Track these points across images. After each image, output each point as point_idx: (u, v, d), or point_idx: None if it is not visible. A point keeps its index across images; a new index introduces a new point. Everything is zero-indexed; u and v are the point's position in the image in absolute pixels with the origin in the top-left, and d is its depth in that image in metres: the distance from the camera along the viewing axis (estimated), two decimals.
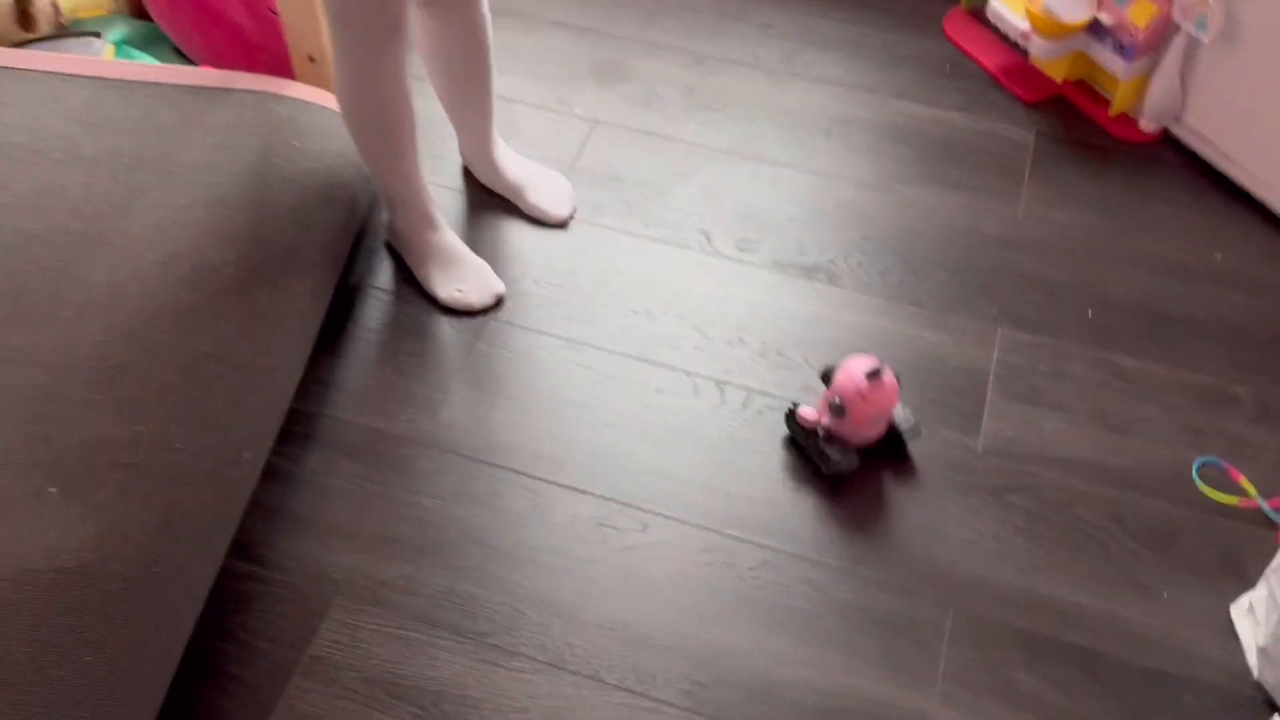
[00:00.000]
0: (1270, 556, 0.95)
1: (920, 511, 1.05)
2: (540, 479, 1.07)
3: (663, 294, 1.21)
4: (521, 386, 1.14)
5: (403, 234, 1.22)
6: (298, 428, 1.08)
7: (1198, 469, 1.07)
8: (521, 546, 1.02)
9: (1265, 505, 1.05)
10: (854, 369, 1.04)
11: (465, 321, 1.19)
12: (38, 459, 0.85)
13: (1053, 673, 0.95)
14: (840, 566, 1.01)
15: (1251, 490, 1.06)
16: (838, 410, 1.03)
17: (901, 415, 1.08)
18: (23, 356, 0.90)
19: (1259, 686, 0.93)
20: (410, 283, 1.22)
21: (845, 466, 1.05)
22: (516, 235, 1.27)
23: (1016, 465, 1.08)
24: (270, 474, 1.03)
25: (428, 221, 1.21)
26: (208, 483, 0.90)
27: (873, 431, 1.07)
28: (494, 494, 1.06)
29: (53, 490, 0.83)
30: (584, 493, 1.06)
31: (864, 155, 1.36)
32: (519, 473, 1.07)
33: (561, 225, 1.28)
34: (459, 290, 1.20)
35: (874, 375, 1.02)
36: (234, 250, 1.01)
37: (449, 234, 1.22)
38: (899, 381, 1.05)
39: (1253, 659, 0.95)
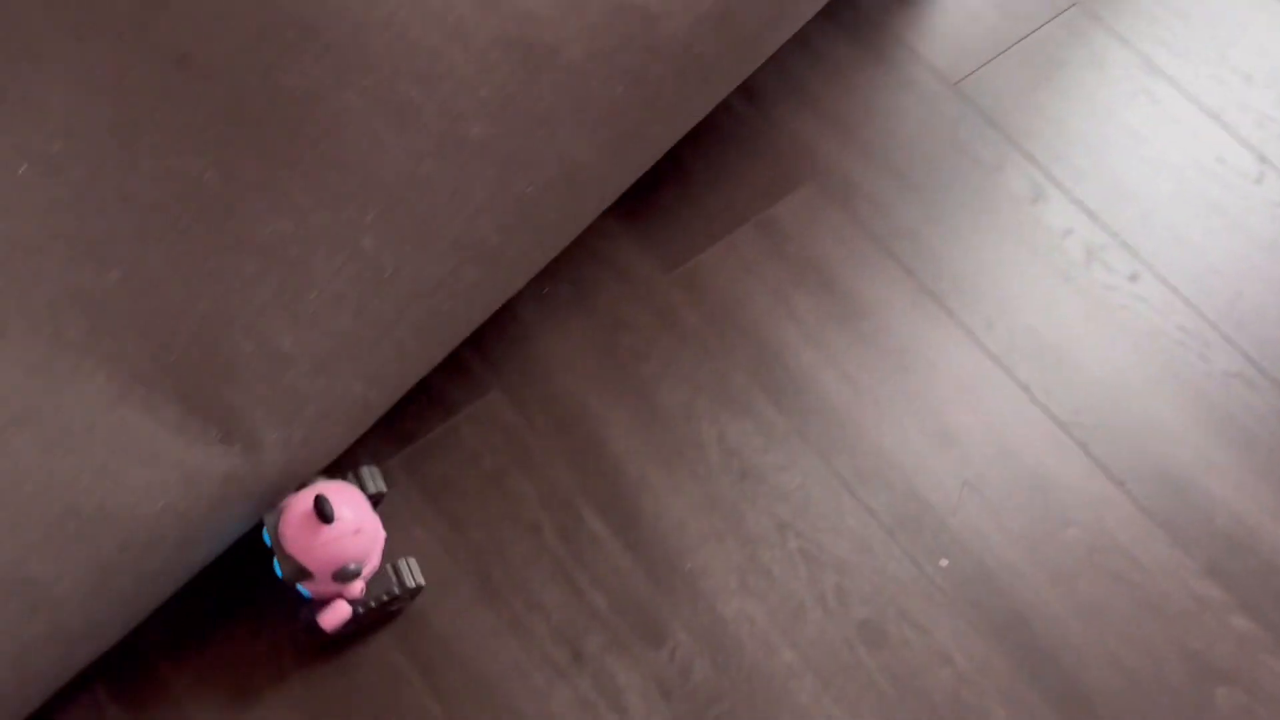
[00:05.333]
0: None
1: None
2: (1050, 176, 0.98)
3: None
4: (1076, 83, 1.03)
5: None
6: (844, 14, 1.05)
7: None
8: (999, 227, 0.96)
9: None
10: None
11: None
12: None
13: None
14: None
15: None
16: None
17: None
18: None
19: None
20: None
21: None
22: None
23: None
24: (803, 44, 1.02)
25: None
26: None
27: None
28: (996, 167, 0.99)
29: None
30: (1090, 214, 0.97)
31: None
32: (1032, 159, 0.99)
33: None
34: None
35: None
36: None
37: None
38: None
39: None
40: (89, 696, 0.75)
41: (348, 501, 0.73)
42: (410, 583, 0.77)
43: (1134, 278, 0.95)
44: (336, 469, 0.78)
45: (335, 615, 0.74)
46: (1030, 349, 0.91)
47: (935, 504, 0.85)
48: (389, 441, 0.84)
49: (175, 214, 0.69)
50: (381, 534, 0.76)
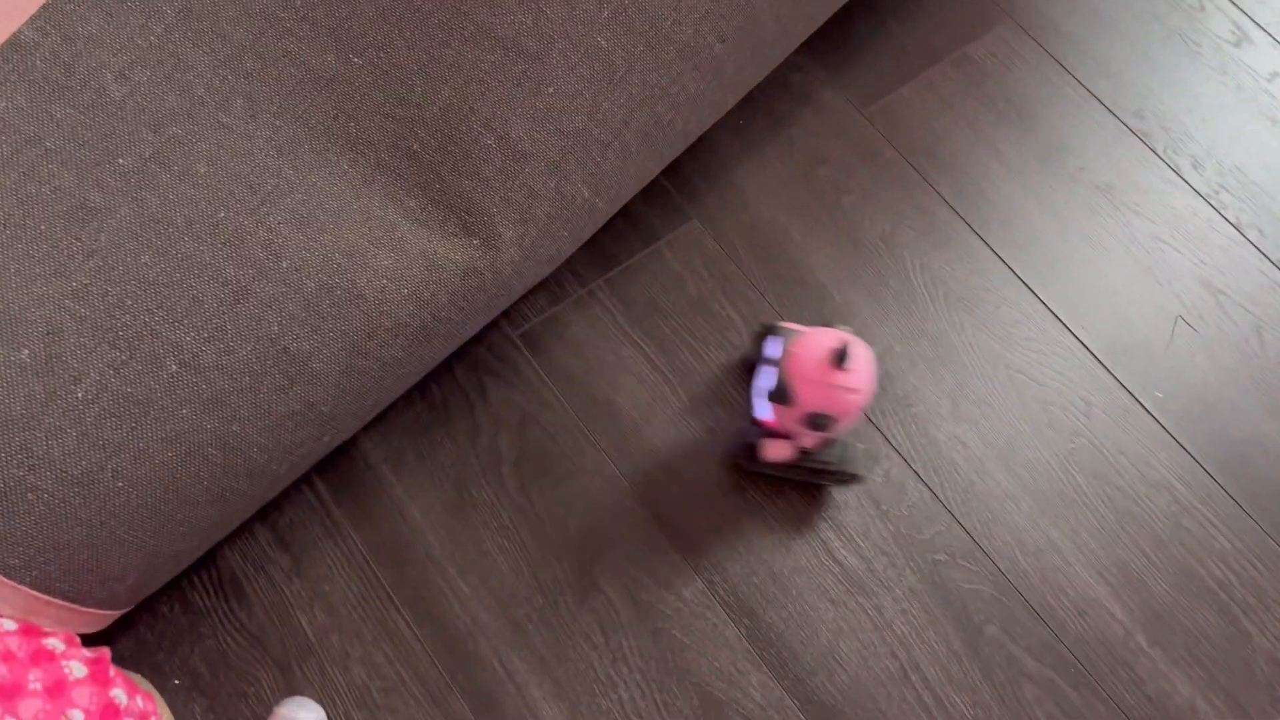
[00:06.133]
0: None
1: None
2: (1253, 19, 0.94)
3: None
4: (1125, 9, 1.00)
5: None
6: None
7: None
8: (1202, 69, 0.92)
9: None
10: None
11: None
12: None
13: None
14: None
15: None
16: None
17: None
18: None
19: None
20: None
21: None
22: None
23: None
24: None
25: None
26: None
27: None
28: (1197, 7, 0.94)
29: None
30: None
31: None
32: (1233, 1, 0.96)
33: None
34: None
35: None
36: None
37: None
38: None
39: None
40: (313, 492, 0.76)
41: (864, 363, 0.72)
42: (855, 468, 0.75)
43: None
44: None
45: (778, 450, 0.74)
46: (1239, 189, 0.89)
47: (1148, 338, 0.83)
48: (594, 264, 0.84)
49: (417, 3, 0.68)
50: (860, 413, 0.74)
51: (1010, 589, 0.75)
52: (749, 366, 0.81)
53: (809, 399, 0.69)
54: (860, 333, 0.82)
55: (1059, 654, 0.73)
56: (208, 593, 0.72)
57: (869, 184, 0.88)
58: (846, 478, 0.76)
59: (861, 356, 0.70)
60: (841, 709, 0.71)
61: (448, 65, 0.69)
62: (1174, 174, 0.89)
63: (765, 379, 0.72)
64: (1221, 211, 0.88)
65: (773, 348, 0.73)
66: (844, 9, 0.92)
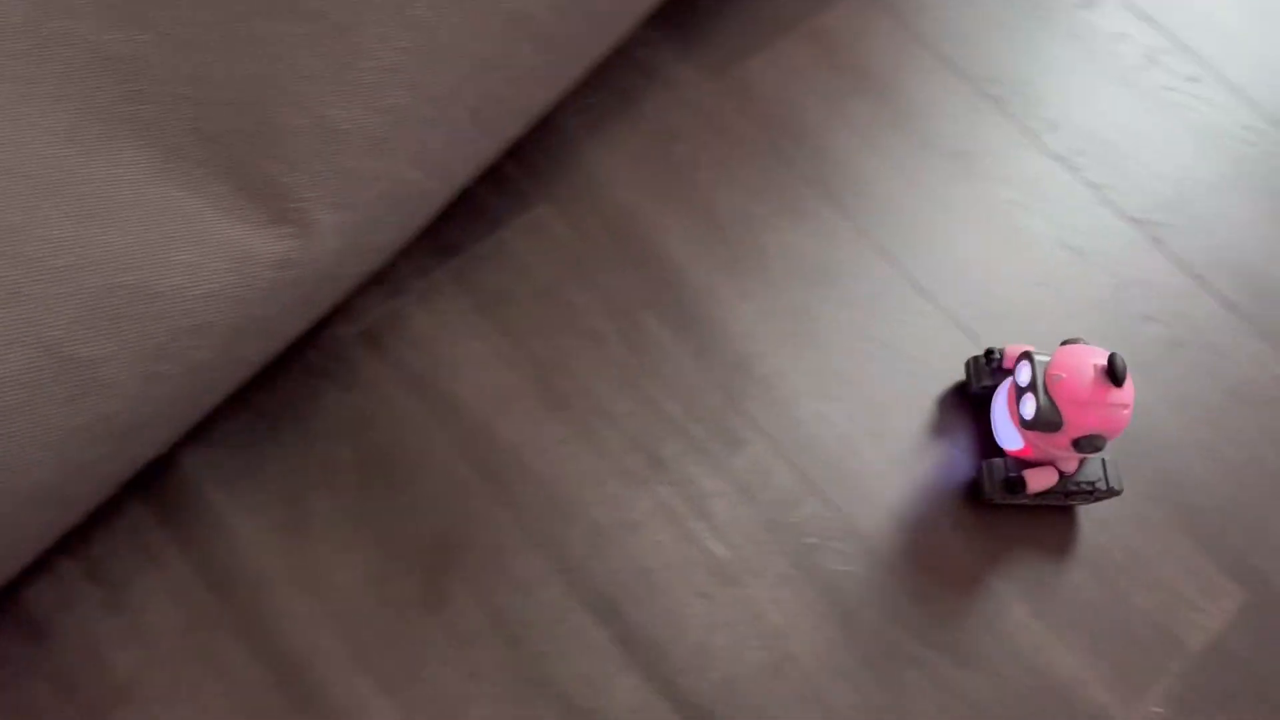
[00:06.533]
0: None
1: None
2: None
3: None
4: None
5: None
6: None
7: None
8: (1050, 31, 0.92)
9: None
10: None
11: None
12: None
13: None
14: None
15: None
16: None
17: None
18: None
19: None
20: None
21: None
22: None
23: None
24: None
25: None
26: None
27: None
28: None
29: None
30: (1144, 17, 0.93)
31: None
32: None
33: None
34: None
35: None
36: None
37: None
38: None
39: None
40: (128, 514, 0.69)
41: (1130, 376, 0.69)
42: (1114, 484, 0.72)
43: (1194, 79, 0.92)
44: None
45: (1043, 479, 0.70)
46: (1095, 151, 0.88)
47: (1012, 305, 0.82)
48: (435, 253, 0.79)
49: None
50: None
51: (886, 569, 0.72)
52: (966, 397, 0.78)
53: (1080, 422, 0.66)
54: (722, 310, 0.79)
55: (939, 634, 0.70)
56: (5, 638, 0.65)
57: (723, 159, 0.85)
58: (1104, 494, 0.73)
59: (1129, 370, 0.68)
60: (715, 708, 0.67)
61: (249, 41, 0.63)
62: (1030, 138, 0.88)
63: (1024, 407, 0.69)
64: (1078, 173, 0.87)
65: (1022, 374, 0.70)
66: None
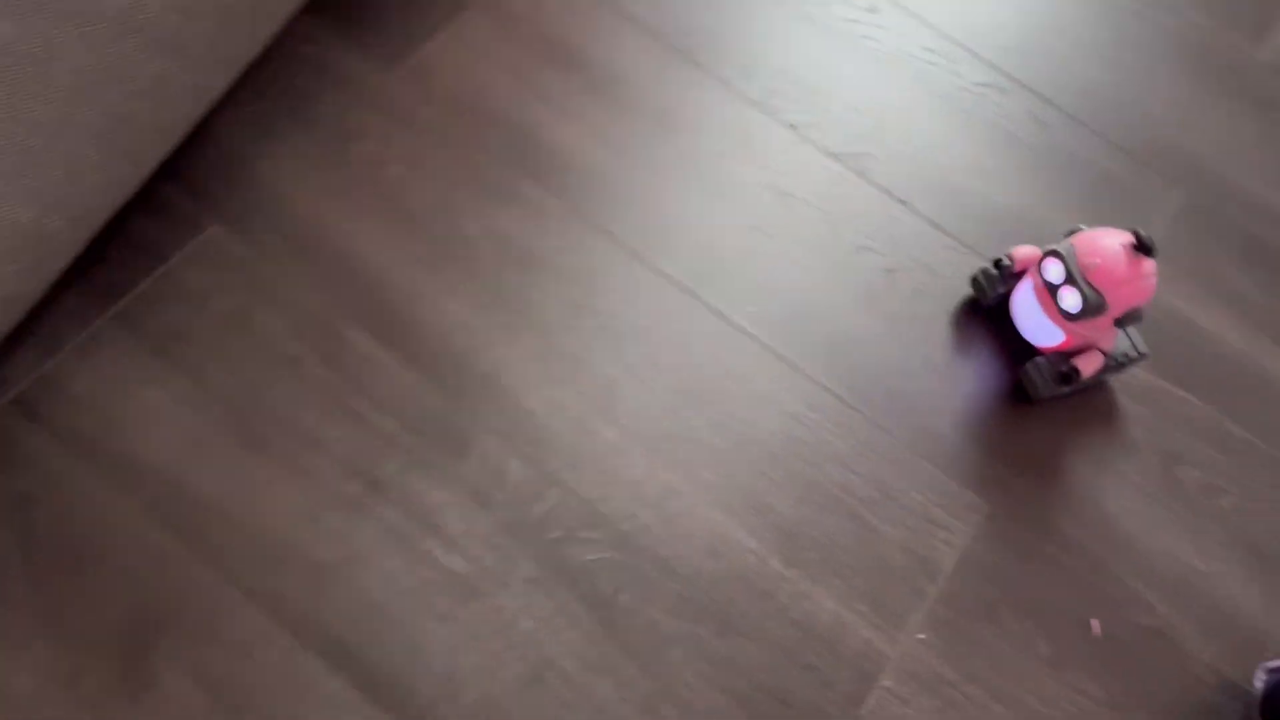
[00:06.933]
0: None
1: (1177, 90, 0.93)
2: None
3: None
4: None
5: None
6: None
7: None
8: None
9: None
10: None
11: None
12: None
13: (1266, 279, 0.86)
14: (1073, 115, 0.91)
15: None
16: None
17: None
18: None
19: None
20: None
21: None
22: None
23: None
24: None
25: None
26: None
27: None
28: None
29: None
30: None
31: None
32: None
33: None
34: None
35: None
36: None
37: None
38: None
39: None
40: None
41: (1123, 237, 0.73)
42: (1142, 346, 0.77)
43: (872, 9, 0.92)
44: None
45: (1093, 362, 0.73)
46: (789, 91, 0.87)
47: (729, 256, 0.79)
48: (93, 298, 0.70)
49: None
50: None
51: (636, 549, 0.68)
52: (980, 308, 0.80)
53: (1122, 299, 0.69)
54: (429, 310, 0.74)
55: (698, 604, 0.67)
56: None
57: (412, 152, 0.79)
58: (1135, 360, 0.77)
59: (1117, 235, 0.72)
60: None
61: None
62: (725, 86, 0.87)
63: (1067, 300, 0.71)
64: (776, 115, 0.86)
65: (1052, 271, 0.71)
66: None
